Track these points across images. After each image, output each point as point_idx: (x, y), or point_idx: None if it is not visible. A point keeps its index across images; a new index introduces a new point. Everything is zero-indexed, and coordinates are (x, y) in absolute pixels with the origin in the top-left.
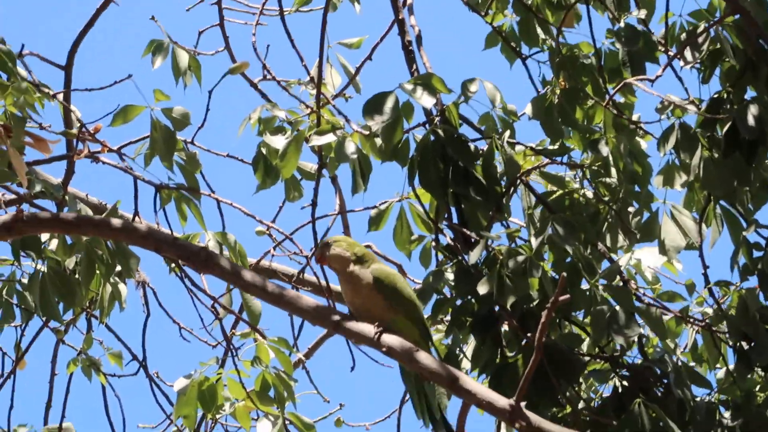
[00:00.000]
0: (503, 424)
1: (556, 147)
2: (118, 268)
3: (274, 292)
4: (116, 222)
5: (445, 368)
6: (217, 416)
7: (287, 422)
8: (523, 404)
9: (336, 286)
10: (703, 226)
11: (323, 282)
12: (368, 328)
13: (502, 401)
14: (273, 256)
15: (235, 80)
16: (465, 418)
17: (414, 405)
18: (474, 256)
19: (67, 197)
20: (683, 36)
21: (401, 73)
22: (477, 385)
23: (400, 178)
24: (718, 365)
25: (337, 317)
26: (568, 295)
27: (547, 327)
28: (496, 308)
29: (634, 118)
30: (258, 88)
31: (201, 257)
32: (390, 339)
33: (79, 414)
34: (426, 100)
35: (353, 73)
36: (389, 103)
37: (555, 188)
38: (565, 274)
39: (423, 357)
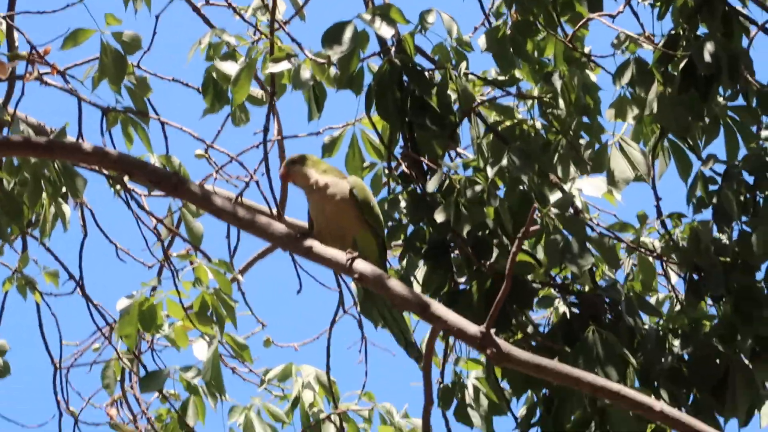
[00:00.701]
0: None
1: (506, 78)
2: (64, 189)
3: (245, 217)
4: (87, 146)
5: (416, 295)
6: (156, 336)
7: (222, 342)
8: (492, 331)
9: None
10: (650, 159)
11: (265, 205)
12: (340, 255)
13: (473, 328)
14: (216, 179)
15: (181, 5)
16: (434, 344)
17: (394, 332)
18: (432, 185)
19: (9, 117)
20: None
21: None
22: (448, 311)
23: (349, 104)
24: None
25: (308, 243)
26: (538, 226)
27: (516, 257)
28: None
29: (585, 50)
30: (203, 15)
31: (172, 182)
32: (362, 265)
33: (12, 332)
34: (385, 31)
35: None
36: (348, 33)
37: (504, 118)
38: (536, 204)
39: (394, 284)
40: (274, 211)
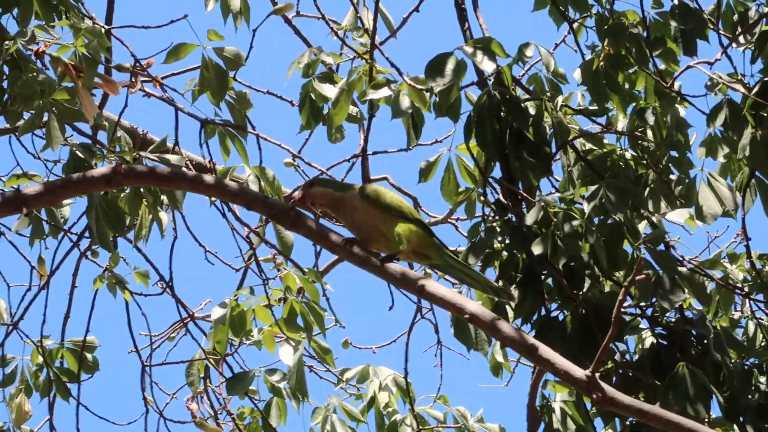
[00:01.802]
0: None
1: (596, 108)
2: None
3: (360, 255)
4: (209, 179)
5: (525, 337)
6: (245, 341)
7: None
8: (597, 375)
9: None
10: (738, 195)
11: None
12: (452, 294)
13: (579, 372)
14: None
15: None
16: (538, 385)
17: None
18: (531, 218)
19: (106, 123)
20: (735, 17)
21: (441, 25)
22: (555, 355)
23: (441, 123)
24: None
25: (421, 283)
26: (644, 275)
27: (623, 303)
28: None
29: (676, 86)
30: (301, 35)
31: (290, 216)
32: (473, 307)
33: (101, 329)
34: (487, 65)
35: (397, 23)
36: (450, 65)
37: (594, 147)
38: (643, 255)
39: (504, 326)
40: None
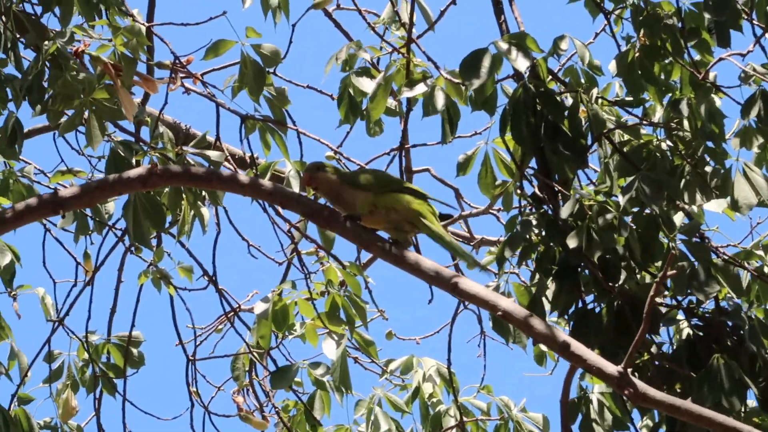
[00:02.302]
0: None
1: (631, 99)
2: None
3: (395, 253)
4: (243, 179)
5: (557, 334)
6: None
7: (350, 338)
8: (630, 370)
9: None
10: None
11: None
12: (485, 292)
13: (611, 368)
14: None
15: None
16: (571, 380)
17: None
18: (565, 211)
19: (148, 119)
20: None
21: (477, 17)
22: (587, 351)
23: (479, 117)
24: None
25: (455, 280)
26: (675, 270)
27: (655, 298)
28: None
29: (711, 76)
30: (341, 28)
31: (324, 215)
32: (507, 303)
33: (146, 325)
34: (521, 63)
35: (435, 16)
36: (485, 62)
37: (630, 138)
38: (674, 252)
39: (537, 323)
40: None
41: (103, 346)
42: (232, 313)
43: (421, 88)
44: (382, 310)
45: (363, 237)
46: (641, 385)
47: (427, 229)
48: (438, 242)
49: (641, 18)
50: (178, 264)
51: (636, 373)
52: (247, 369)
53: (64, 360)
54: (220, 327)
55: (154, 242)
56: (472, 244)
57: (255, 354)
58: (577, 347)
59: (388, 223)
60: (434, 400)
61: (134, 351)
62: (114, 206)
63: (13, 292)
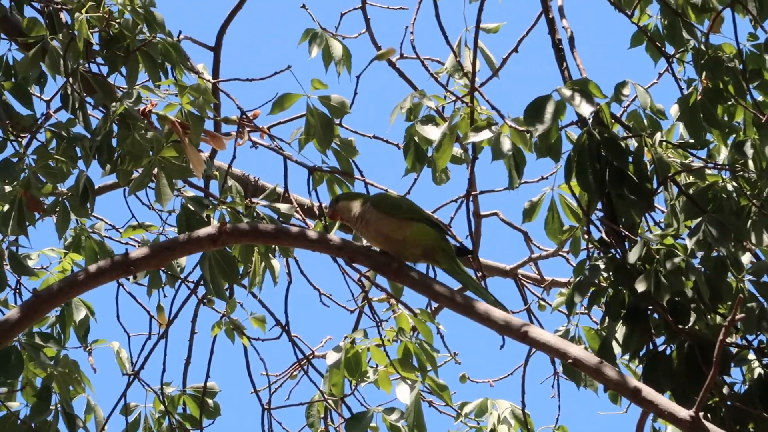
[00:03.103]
0: None
1: (694, 141)
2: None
3: (463, 303)
4: (312, 234)
5: (627, 381)
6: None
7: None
8: (701, 414)
9: None
10: None
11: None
12: (554, 340)
13: (683, 412)
14: None
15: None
16: (644, 425)
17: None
18: (633, 256)
19: (217, 173)
20: None
21: (538, 63)
22: (658, 396)
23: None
24: None
25: (525, 329)
26: (743, 314)
27: (724, 343)
28: None
29: None
30: (406, 78)
31: (392, 268)
32: (577, 351)
33: (220, 375)
34: (584, 109)
35: (498, 64)
36: (549, 109)
37: (696, 180)
38: (742, 296)
39: (608, 370)
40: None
41: (178, 398)
42: (306, 361)
43: (486, 134)
44: (455, 353)
45: (433, 290)
46: (713, 429)
47: (447, 263)
48: (455, 277)
49: (703, 61)
50: (251, 314)
51: (709, 415)
52: (322, 416)
53: (140, 412)
54: (294, 373)
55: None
56: (542, 286)
57: (329, 402)
58: (648, 392)
59: (404, 250)
60: None
61: (210, 401)
62: (186, 259)
63: (89, 347)
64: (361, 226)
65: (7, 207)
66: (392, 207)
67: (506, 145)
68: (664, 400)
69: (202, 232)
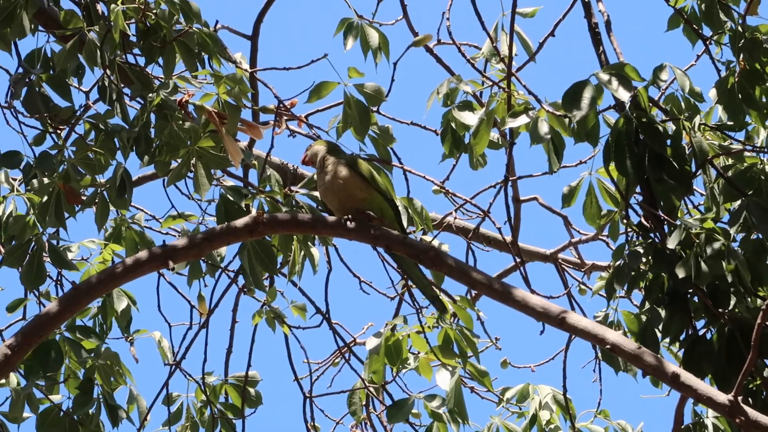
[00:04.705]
0: None
1: (732, 123)
2: None
3: (500, 290)
4: (350, 224)
5: (666, 366)
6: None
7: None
8: (740, 398)
9: None
10: None
11: (506, 237)
12: (593, 326)
13: (721, 397)
14: (455, 218)
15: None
16: (683, 409)
17: (420, 287)
18: (672, 242)
19: (255, 162)
20: None
21: (575, 47)
22: (697, 381)
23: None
24: None
25: (562, 315)
26: None
27: (762, 327)
28: None
29: None
30: (443, 63)
31: (430, 255)
32: (614, 336)
33: (261, 364)
34: (622, 93)
35: (535, 48)
36: (587, 95)
37: (735, 162)
38: None
39: (647, 356)
40: (508, 238)
41: (220, 387)
42: (347, 348)
43: (523, 120)
44: (496, 338)
45: (471, 277)
46: (752, 413)
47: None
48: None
49: (740, 43)
50: (292, 303)
51: (750, 398)
52: (363, 403)
53: (182, 402)
54: (336, 361)
55: (266, 282)
56: (582, 270)
57: (371, 389)
58: (687, 378)
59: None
60: (551, 426)
61: (251, 390)
62: (225, 248)
63: (130, 337)
64: (324, 175)
65: (45, 199)
66: (367, 171)
67: (544, 128)
68: (703, 385)
69: (240, 222)
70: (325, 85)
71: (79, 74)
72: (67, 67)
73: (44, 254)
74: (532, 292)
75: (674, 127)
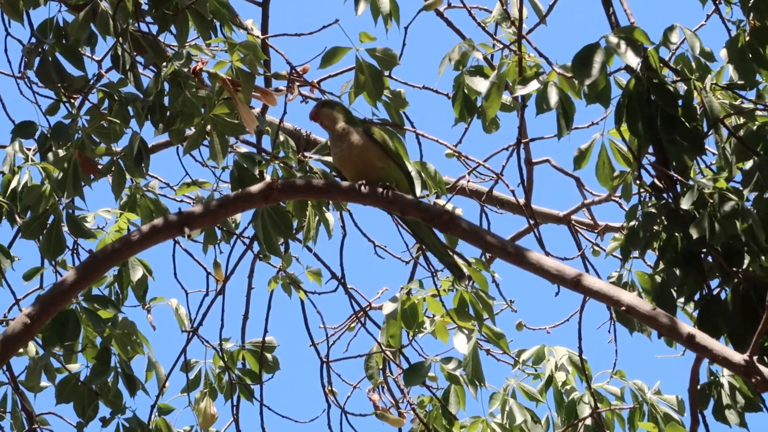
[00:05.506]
0: None
1: (743, 83)
2: None
3: (514, 253)
4: (363, 189)
5: (681, 327)
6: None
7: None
8: (755, 358)
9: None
10: None
11: (520, 199)
12: (607, 287)
13: (737, 357)
14: (468, 181)
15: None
16: (698, 369)
17: (437, 254)
18: (686, 203)
19: (269, 128)
20: None
21: (585, 9)
22: (712, 341)
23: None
24: None
25: (577, 277)
26: None
27: None
28: None
29: None
30: (454, 27)
31: (444, 219)
32: (629, 298)
33: (278, 329)
34: (631, 58)
35: (545, 10)
36: (597, 59)
37: (746, 121)
38: None
39: (662, 317)
40: (521, 201)
41: (237, 353)
42: (362, 313)
43: (534, 85)
44: (511, 300)
45: (485, 240)
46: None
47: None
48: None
49: (750, 2)
50: (307, 268)
51: (765, 357)
52: (380, 367)
53: (200, 369)
54: (352, 325)
55: (282, 248)
56: (596, 231)
57: (387, 353)
58: (702, 338)
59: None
60: (567, 387)
61: (269, 356)
62: (240, 215)
63: (147, 305)
64: (341, 143)
65: (64, 169)
66: (381, 140)
67: (553, 98)
68: (718, 345)
69: (254, 188)
70: (337, 50)
71: (92, 43)
72: (79, 37)
73: (62, 224)
74: (547, 254)
75: (685, 88)
